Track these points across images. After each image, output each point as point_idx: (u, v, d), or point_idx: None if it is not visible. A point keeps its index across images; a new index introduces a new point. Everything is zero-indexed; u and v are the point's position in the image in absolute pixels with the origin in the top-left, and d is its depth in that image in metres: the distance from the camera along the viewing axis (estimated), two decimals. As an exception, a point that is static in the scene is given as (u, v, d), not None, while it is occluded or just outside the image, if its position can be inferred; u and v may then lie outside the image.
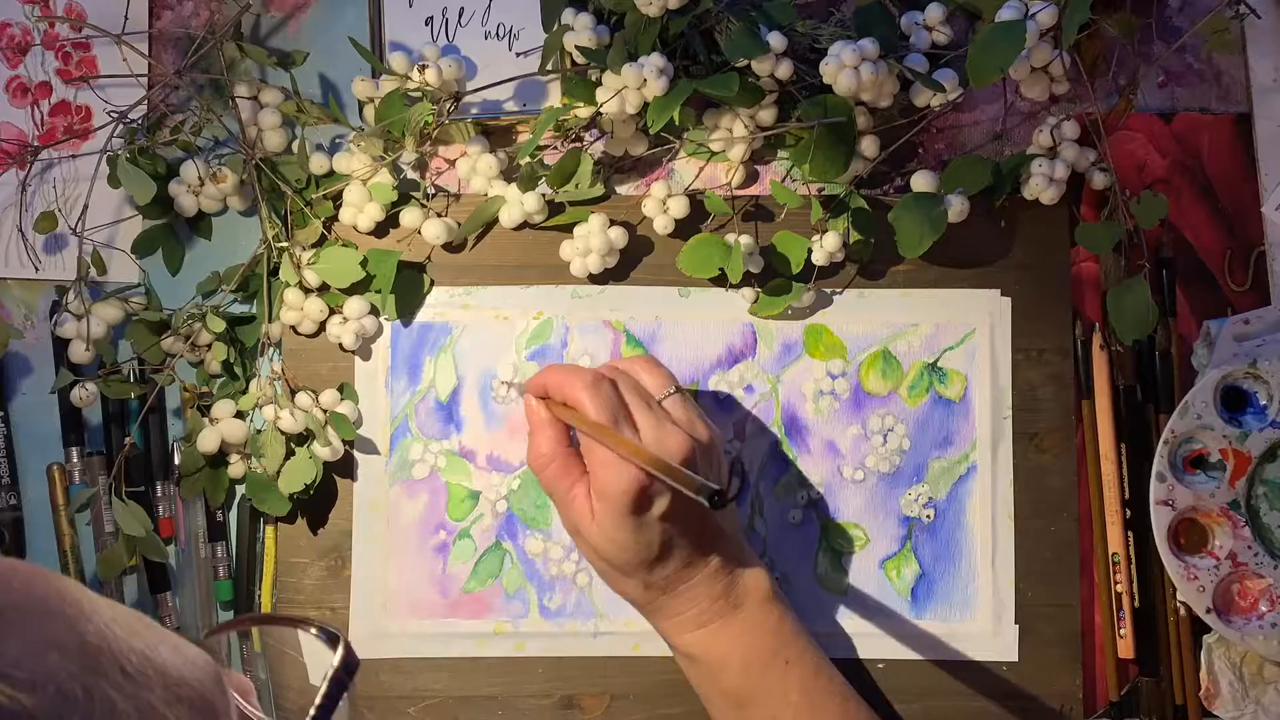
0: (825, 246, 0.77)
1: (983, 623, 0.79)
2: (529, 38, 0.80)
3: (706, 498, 0.62)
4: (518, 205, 0.78)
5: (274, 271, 0.78)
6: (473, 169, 0.79)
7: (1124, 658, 0.79)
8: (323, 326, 0.79)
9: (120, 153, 0.78)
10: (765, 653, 0.71)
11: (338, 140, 0.82)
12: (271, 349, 0.80)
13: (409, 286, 0.80)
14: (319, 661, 0.48)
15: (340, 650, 0.47)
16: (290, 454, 0.77)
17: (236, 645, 0.79)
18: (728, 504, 0.64)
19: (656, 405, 0.70)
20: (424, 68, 0.76)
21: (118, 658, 0.38)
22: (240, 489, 0.80)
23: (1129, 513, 0.79)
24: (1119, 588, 0.79)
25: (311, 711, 0.45)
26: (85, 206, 0.78)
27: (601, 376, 0.70)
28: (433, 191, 0.81)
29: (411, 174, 0.81)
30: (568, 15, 0.76)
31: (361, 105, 0.80)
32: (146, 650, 0.40)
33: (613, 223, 0.79)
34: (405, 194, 0.80)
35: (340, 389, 0.79)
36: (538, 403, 0.72)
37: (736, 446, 0.80)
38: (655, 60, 0.73)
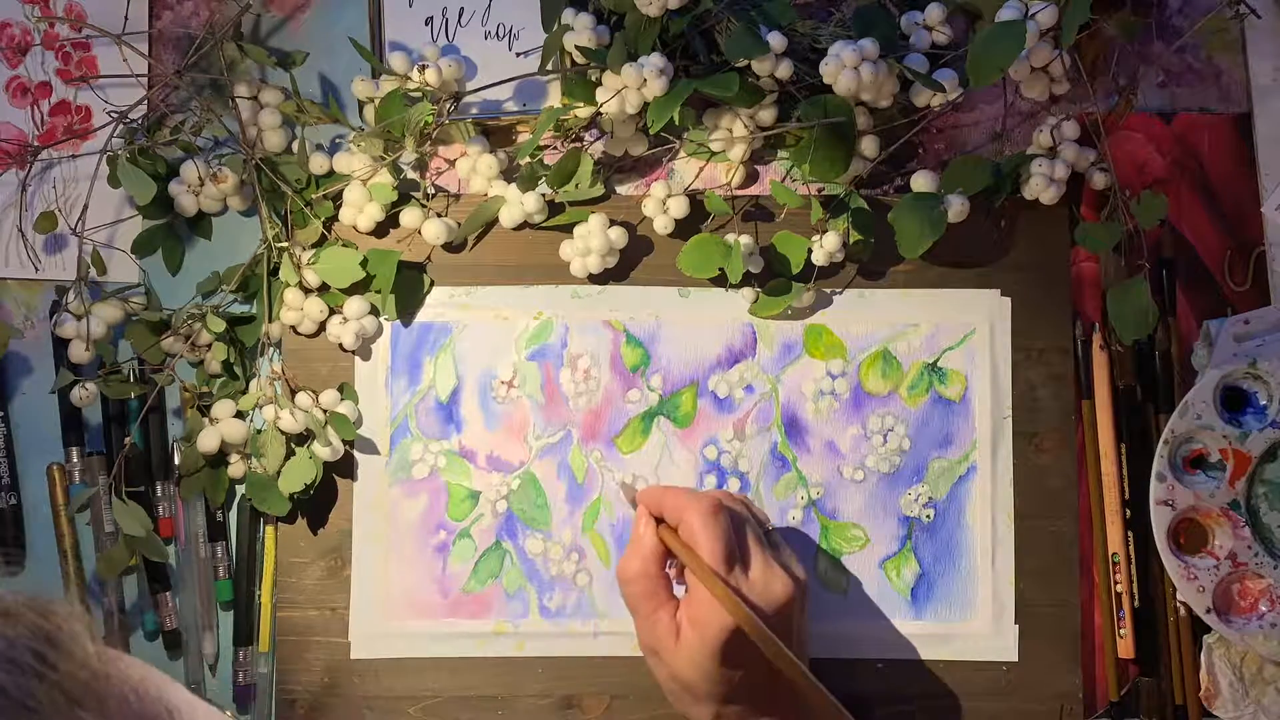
0: (825, 246, 0.77)
1: (983, 623, 0.79)
2: (529, 38, 0.80)
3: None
4: (518, 205, 0.78)
5: (274, 271, 0.78)
6: (473, 169, 0.79)
7: (1124, 658, 0.79)
8: (323, 326, 0.79)
9: (120, 153, 0.78)
10: None
11: (338, 140, 0.82)
12: (271, 349, 0.80)
13: (409, 286, 0.80)
14: None
15: None
16: (290, 454, 0.77)
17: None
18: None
19: (763, 543, 0.70)
20: (424, 68, 0.76)
21: None
22: (240, 489, 0.80)
23: (1129, 513, 0.79)
24: (1119, 588, 0.79)
25: None
26: (85, 206, 0.78)
27: (720, 506, 0.69)
28: (433, 191, 0.81)
29: (411, 174, 0.81)
30: (568, 15, 0.76)
31: (361, 105, 0.80)
32: None
33: (613, 223, 0.79)
34: (405, 194, 0.80)
35: (340, 389, 0.79)
36: (648, 521, 0.71)
37: (736, 446, 0.80)
38: (655, 60, 0.73)
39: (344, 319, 0.79)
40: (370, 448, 0.80)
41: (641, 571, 0.70)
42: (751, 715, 0.70)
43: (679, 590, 0.71)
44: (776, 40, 0.74)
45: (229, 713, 0.79)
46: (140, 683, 0.37)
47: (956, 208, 0.76)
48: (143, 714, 0.36)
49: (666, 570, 0.71)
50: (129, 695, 0.36)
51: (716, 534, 0.68)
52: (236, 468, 0.79)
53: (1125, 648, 0.78)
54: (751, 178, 0.81)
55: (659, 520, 0.71)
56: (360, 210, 0.79)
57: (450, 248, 0.81)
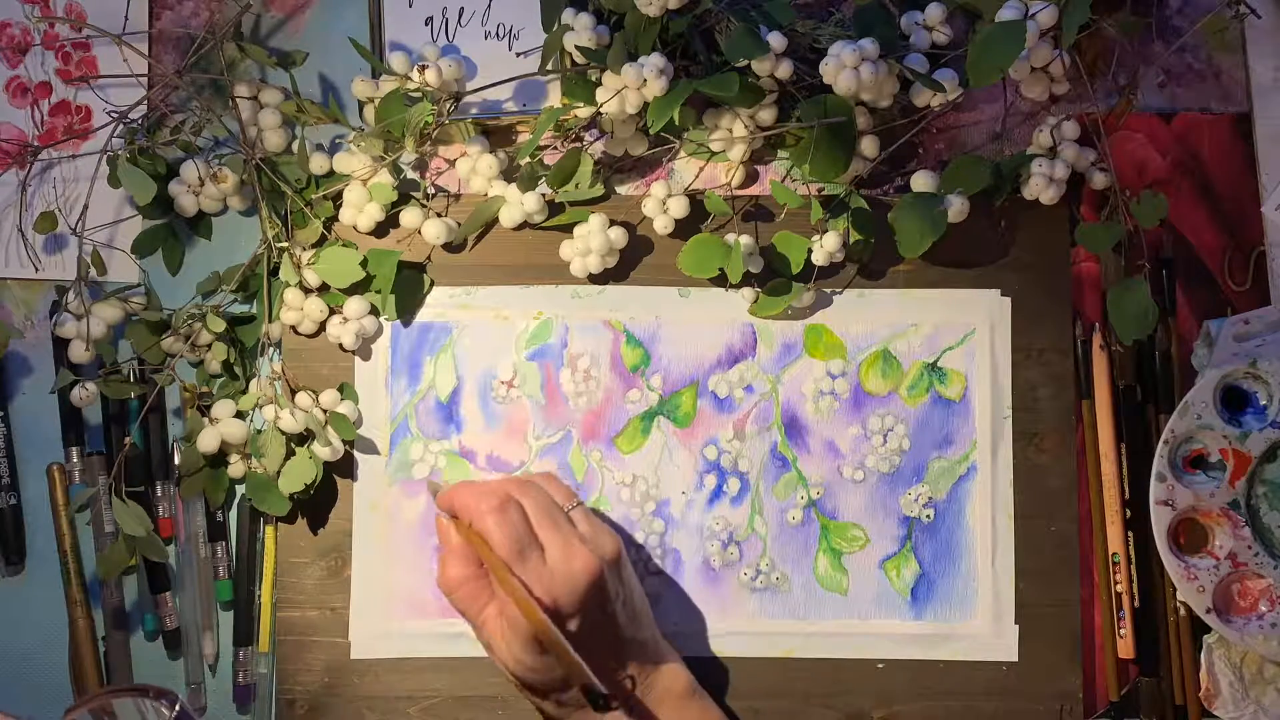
0: (825, 246, 0.77)
1: (983, 623, 0.79)
2: (529, 38, 0.80)
3: (590, 699, 0.64)
4: (518, 205, 0.78)
5: (274, 271, 0.78)
6: (473, 169, 0.79)
7: (1124, 658, 0.79)
8: (323, 326, 0.79)
9: (120, 153, 0.78)
10: None
11: (338, 140, 0.82)
12: (271, 349, 0.80)
13: (409, 286, 0.80)
14: None
15: (176, 712, 0.46)
16: (290, 454, 0.77)
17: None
18: (611, 710, 0.65)
19: (565, 521, 0.71)
20: (424, 68, 0.76)
21: None
22: (240, 489, 0.80)
23: (1129, 513, 0.79)
24: (1119, 588, 0.79)
25: None
26: (85, 206, 0.78)
27: (509, 499, 0.70)
28: (433, 191, 0.81)
29: (411, 174, 0.81)
30: (568, 15, 0.76)
31: (361, 105, 0.80)
32: None
33: (613, 223, 0.79)
34: (405, 194, 0.80)
35: (340, 389, 0.79)
36: (448, 523, 0.72)
37: (736, 446, 0.80)
38: (655, 60, 0.73)
39: (344, 319, 0.79)
40: (370, 448, 0.80)
41: (459, 577, 0.70)
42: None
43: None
44: (776, 40, 0.74)
45: None
46: None
47: (956, 208, 0.76)
48: None
49: (484, 567, 0.71)
50: None
51: (505, 529, 0.68)
52: (236, 468, 0.79)
53: (1125, 648, 0.78)
54: (751, 178, 0.81)
55: (455, 520, 0.72)
56: (360, 210, 0.79)
57: (450, 248, 0.81)
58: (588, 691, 0.65)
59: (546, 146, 0.80)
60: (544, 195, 0.79)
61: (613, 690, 0.65)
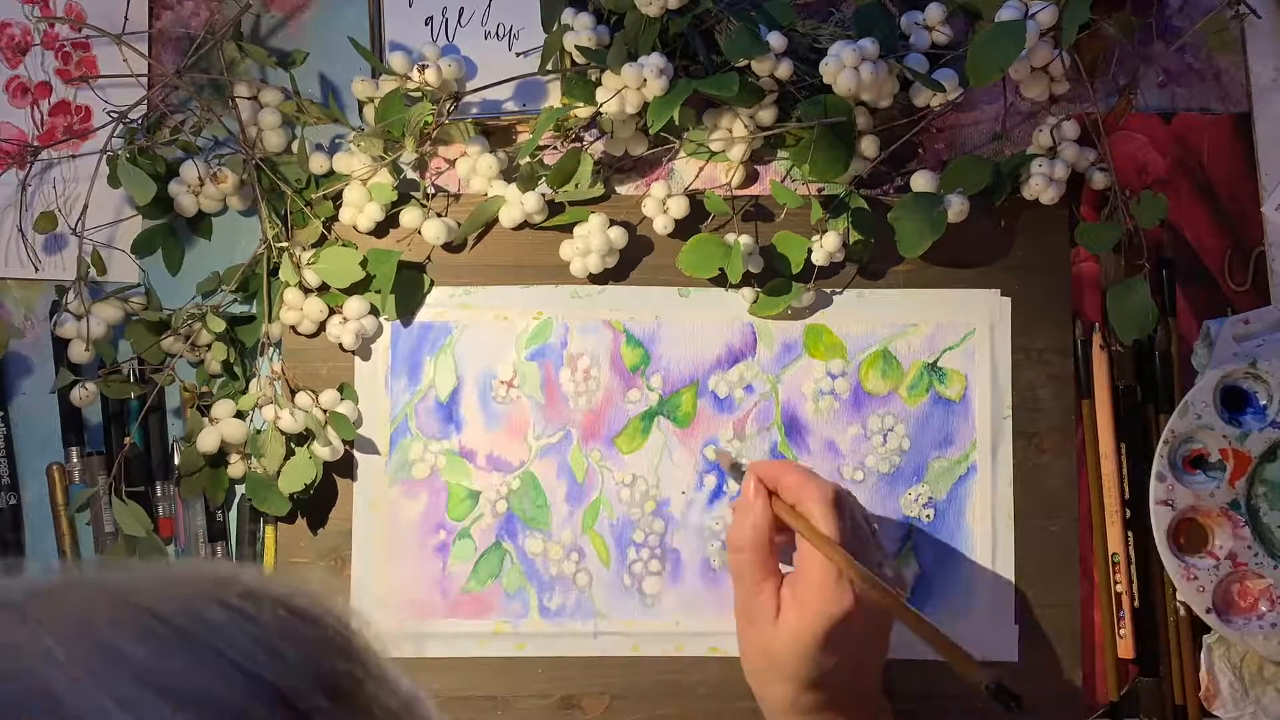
0: (825, 246, 0.77)
1: (983, 623, 0.79)
2: (529, 38, 0.80)
3: (1000, 699, 0.58)
4: (518, 205, 0.78)
5: (274, 271, 0.78)
6: (473, 169, 0.79)
7: (1124, 658, 0.79)
8: (323, 326, 0.79)
9: (120, 153, 0.78)
10: None
11: (338, 140, 0.82)
12: (271, 349, 0.80)
13: (409, 286, 0.80)
14: None
15: None
16: (290, 454, 0.77)
17: None
18: (1019, 708, 0.59)
19: (872, 541, 0.70)
20: (424, 68, 0.76)
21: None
22: (240, 489, 0.80)
23: (1129, 513, 0.79)
24: (1119, 588, 0.79)
25: None
26: (85, 206, 0.78)
27: (842, 496, 0.69)
28: (433, 191, 0.81)
29: (411, 174, 0.81)
30: (568, 15, 0.76)
31: (361, 105, 0.80)
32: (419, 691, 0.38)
33: (613, 223, 0.79)
34: (405, 194, 0.80)
35: (340, 389, 0.79)
36: (760, 491, 0.70)
37: (736, 446, 0.80)
38: (655, 60, 0.73)
39: (344, 319, 0.79)
40: (370, 448, 0.80)
41: (754, 541, 0.69)
42: (828, 706, 0.69)
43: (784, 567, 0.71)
44: (776, 40, 0.74)
45: None
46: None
47: (956, 208, 0.76)
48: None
49: (776, 544, 0.70)
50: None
51: (838, 522, 0.67)
52: (236, 468, 0.79)
53: (1125, 648, 0.78)
54: (751, 178, 0.81)
55: (771, 494, 0.70)
56: (360, 210, 0.79)
57: (450, 248, 0.81)
58: (996, 689, 0.58)
59: (546, 146, 0.80)
60: (544, 195, 0.79)
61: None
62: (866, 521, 0.72)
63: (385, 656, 0.37)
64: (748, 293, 0.79)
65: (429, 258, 0.81)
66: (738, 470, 0.75)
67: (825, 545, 0.67)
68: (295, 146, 0.80)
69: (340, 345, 0.79)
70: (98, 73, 0.81)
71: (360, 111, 0.81)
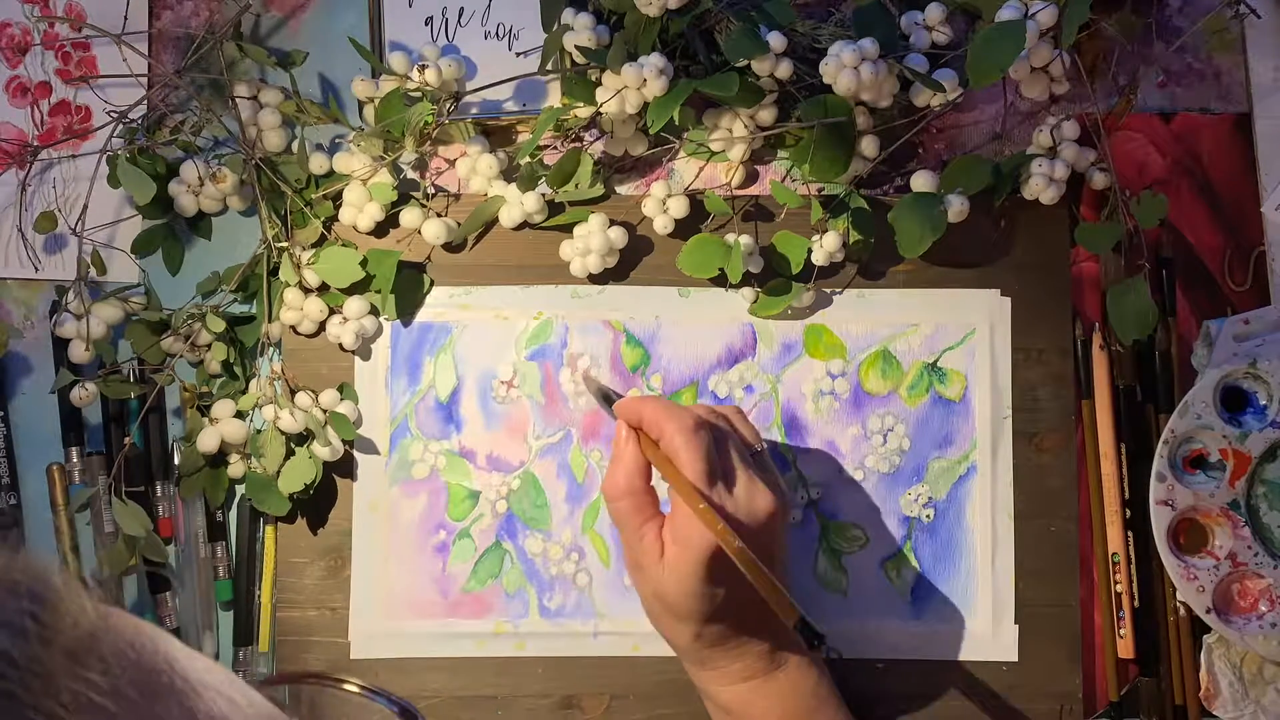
0: (825, 246, 0.77)
1: (983, 623, 0.79)
2: (529, 38, 0.80)
3: (805, 635, 0.61)
4: (518, 205, 0.78)
5: (274, 271, 0.78)
6: (473, 169, 0.79)
7: (1124, 658, 0.79)
8: (323, 326, 0.79)
9: (120, 153, 0.78)
10: (803, 714, 0.71)
11: (338, 140, 0.82)
12: (271, 349, 0.80)
13: (409, 286, 0.80)
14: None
15: None
16: (290, 454, 0.77)
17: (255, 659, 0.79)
18: (822, 645, 0.62)
19: (750, 459, 0.70)
20: (424, 68, 0.76)
21: None
22: (240, 489, 0.80)
23: (1129, 513, 0.79)
24: (1119, 588, 0.79)
25: None
26: (85, 206, 0.78)
27: (702, 422, 0.68)
28: (433, 191, 0.81)
29: (411, 174, 0.81)
30: (568, 15, 0.76)
31: (361, 105, 0.80)
32: None
33: (613, 223, 0.79)
34: (405, 194, 0.80)
35: (340, 389, 0.79)
36: (628, 434, 0.70)
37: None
38: (655, 60, 0.73)
39: (344, 319, 0.79)
40: (370, 448, 0.80)
41: (627, 488, 0.69)
42: (732, 635, 0.69)
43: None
44: (776, 40, 0.74)
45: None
46: (136, 635, 0.36)
47: (956, 208, 0.76)
48: (141, 665, 0.35)
49: (652, 484, 0.70)
50: (127, 650, 0.36)
51: (698, 450, 0.67)
52: (236, 468, 0.79)
53: (1125, 648, 0.78)
54: (751, 178, 0.81)
55: (638, 432, 0.70)
56: (360, 210, 0.79)
57: (450, 248, 0.81)
58: (802, 625, 0.61)
59: (546, 146, 0.80)
60: (544, 195, 0.79)
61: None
62: (748, 443, 0.71)
63: (77, 597, 0.36)
64: (748, 293, 0.79)
65: (429, 258, 0.81)
66: (606, 400, 0.74)
67: (679, 485, 0.67)
68: (295, 146, 0.80)
69: (340, 345, 0.79)
70: (98, 73, 0.81)
71: (360, 111, 0.81)
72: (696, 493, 0.66)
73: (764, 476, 0.70)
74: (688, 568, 0.67)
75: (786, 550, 0.73)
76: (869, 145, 0.78)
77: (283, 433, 0.77)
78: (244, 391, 0.79)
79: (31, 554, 0.36)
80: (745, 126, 0.78)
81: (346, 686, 0.51)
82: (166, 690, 0.35)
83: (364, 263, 0.78)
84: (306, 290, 0.79)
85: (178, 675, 0.36)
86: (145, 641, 0.36)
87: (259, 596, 0.80)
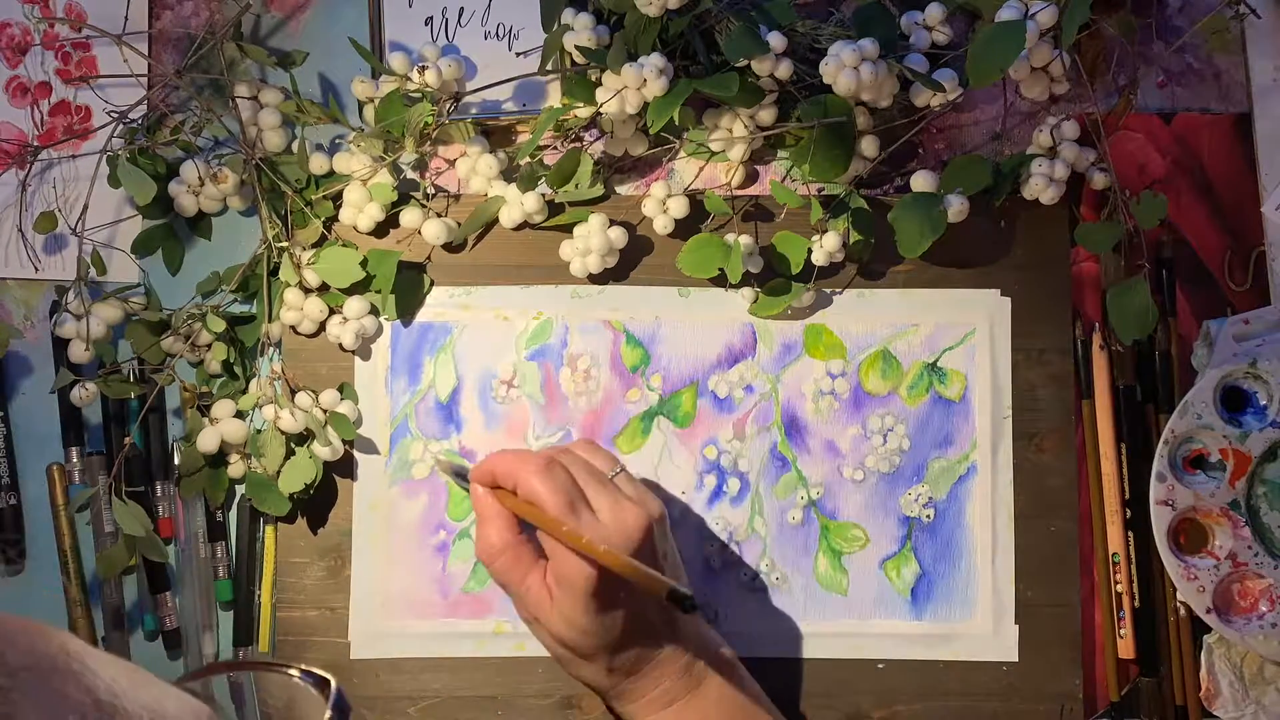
0: (825, 246, 0.77)
1: (983, 623, 0.79)
2: (529, 38, 0.80)
3: (677, 601, 0.62)
4: (518, 205, 0.78)
5: (274, 271, 0.78)
6: (473, 169, 0.79)
7: (1124, 658, 0.79)
8: (323, 326, 0.79)
9: (120, 153, 0.78)
10: None
11: (338, 140, 0.82)
12: (271, 349, 0.80)
13: (409, 286, 0.80)
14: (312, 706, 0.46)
15: (331, 696, 0.46)
16: (290, 454, 0.77)
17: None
18: (696, 609, 0.63)
19: (609, 482, 0.70)
20: (424, 68, 0.76)
21: (130, 716, 0.37)
22: (240, 489, 0.80)
23: (1129, 513, 0.79)
24: (1119, 588, 0.79)
25: None
26: (85, 206, 0.78)
27: (552, 460, 0.69)
28: (433, 191, 0.81)
29: (411, 174, 0.81)
30: (568, 15, 0.76)
31: (361, 105, 0.80)
32: (154, 705, 0.38)
33: (613, 223, 0.79)
34: (405, 194, 0.80)
35: (340, 389, 0.79)
36: (485, 492, 0.71)
37: (736, 446, 0.80)
38: (655, 60, 0.73)
39: (344, 319, 0.79)
40: (370, 448, 0.80)
41: (500, 543, 0.70)
42: (643, 659, 0.70)
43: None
44: (776, 40, 0.74)
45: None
46: (28, 625, 0.38)
47: (956, 208, 0.76)
48: (34, 649, 0.37)
49: (523, 534, 0.70)
50: (17, 637, 0.37)
51: (553, 486, 0.68)
52: (236, 468, 0.79)
53: (1125, 648, 0.78)
54: (751, 178, 0.81)
55: (495, 490, 0.71)
56: (360, 210, 0.79)
57: (450, 248, 0.81)
58: (673, 595, 0.62)
59: (546, 146, 0.80)
60: (544, 195, 0.79)
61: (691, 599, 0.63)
62: (603, 469, 0.71)
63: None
64: (748, 293, 0.79)
65: (429, 258, 0.81)
66: (461, 477, 0.75)
67: (544, 521, 0.67)
68: (295, 146, 0.80)
69: (340, 345, 0.79)
70: (98, 73, 0.81)
71: (360, 111, 0.81)
72: (557, 523, 0.67)
73: (630, 492, 0.70)
74: (578, 604, 0.67)
75: (675, 551, 0.73)
76: (869, 145, 0.78)
77: (283, 433, 0.77)
78: (244, 391, 0.79)
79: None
80: (745, 126, 0.78)
81: (282, 672, 0.51)
82: (63, 669, 0.37)
83: (364, 263, 0.78)
84: (306, 290, 0.79)
85: (73, 658, 0.37)
86: (37, 632, 0.37)
87: (259, 596, 0.80)
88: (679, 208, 0.78)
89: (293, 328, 0.79)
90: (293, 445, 0.78)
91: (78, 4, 0.81)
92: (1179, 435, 0.77)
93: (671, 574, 0.70)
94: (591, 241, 0.78)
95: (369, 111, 0.79)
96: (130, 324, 0.79)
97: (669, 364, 0.80)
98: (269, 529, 0.80)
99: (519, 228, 0.80)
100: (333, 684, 0.47)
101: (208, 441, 0.77)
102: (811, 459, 0.80)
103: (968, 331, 0.80)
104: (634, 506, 0.69)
